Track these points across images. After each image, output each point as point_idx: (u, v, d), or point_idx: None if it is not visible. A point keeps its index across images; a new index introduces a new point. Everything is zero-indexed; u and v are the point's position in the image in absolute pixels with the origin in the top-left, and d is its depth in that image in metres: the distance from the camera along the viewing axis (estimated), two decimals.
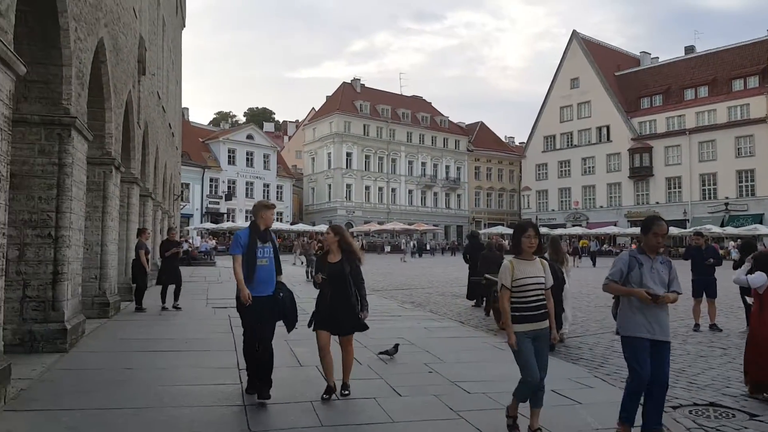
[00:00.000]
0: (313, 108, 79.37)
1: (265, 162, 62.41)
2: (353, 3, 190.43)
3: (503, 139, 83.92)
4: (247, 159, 61.02)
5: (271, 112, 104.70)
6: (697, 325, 10.34)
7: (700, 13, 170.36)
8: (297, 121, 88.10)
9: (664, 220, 4.63)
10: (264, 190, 60.70)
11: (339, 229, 5.74)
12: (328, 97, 71.12)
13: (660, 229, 4.43)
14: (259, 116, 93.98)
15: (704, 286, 10.54)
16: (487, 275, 11.49)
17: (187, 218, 50.88)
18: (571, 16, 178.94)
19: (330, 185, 64.96)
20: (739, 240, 33.89)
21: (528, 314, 4.44)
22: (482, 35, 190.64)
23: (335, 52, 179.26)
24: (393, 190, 67.79)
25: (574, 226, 59.02)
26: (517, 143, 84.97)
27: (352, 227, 60.55)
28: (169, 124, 24.34)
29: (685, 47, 64.36)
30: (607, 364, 7.57)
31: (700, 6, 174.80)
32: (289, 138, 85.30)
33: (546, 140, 67.73)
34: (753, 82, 51.81)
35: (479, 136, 76.54)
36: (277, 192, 63.58)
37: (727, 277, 10.03)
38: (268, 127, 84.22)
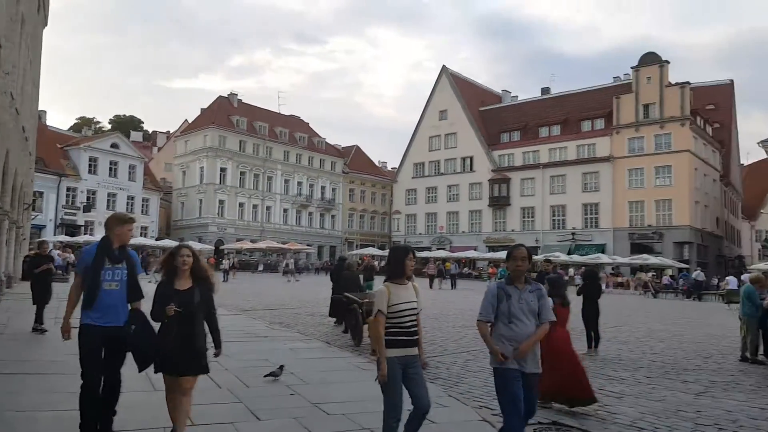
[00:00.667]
0: (186, 120, 76.43)
1: (130, 173, 58.88)
2: (234, 18, 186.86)
3: (377, 164, 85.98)
4: (111, 169, 57.21)
5: (140, 121, 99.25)
6: None
7: (555, 58, 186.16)
8: (168, 132, 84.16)
9: (524, 246, 4.64)
10: (128, 203, 57.21)
11: (193, 249, 4.84)
12: (203, 110, 68.88)
13: (518, 253, 4.43)
14: (126, 124, 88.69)
15: None
16: (347, 294, 12.24)
17: (38, 229, 46.64)
18: (442, 50, 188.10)
19: (201, 200, 62.71)
20: (583, 267, 37.02)
21: (402, 339, 4.37)
22: (361, 62, 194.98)
23: (213, 65, 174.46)
24: (268, 208, 66.82)
25: (438, 249, 61.54)
26: (389, 168, 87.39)
27: (224, 244, 58.98)
28: (23, 128, 22.42)
29: (542, 88, 70.14)
30: (462, 383, 8.00)
31: (556, 51, 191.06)
32: (159, 149, 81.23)
33: (416, 167, 70.45)
34: (599, 124, 57.41)
35: (354, 159, 77.86)
36: (143, 205, 60.19)
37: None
38: (136, 136, 79.70)
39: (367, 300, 11.52)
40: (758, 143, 49.63)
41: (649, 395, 7.62)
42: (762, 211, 62.91)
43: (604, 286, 40.14)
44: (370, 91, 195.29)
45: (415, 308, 4.49)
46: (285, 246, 57.75)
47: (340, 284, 13.49)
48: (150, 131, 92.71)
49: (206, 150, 62.19)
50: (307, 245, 64.05)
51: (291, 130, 70.73)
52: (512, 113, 66.72)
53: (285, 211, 68.44)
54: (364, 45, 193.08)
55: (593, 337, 11.43)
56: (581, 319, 11.46)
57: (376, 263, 34.09)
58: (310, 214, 70.84)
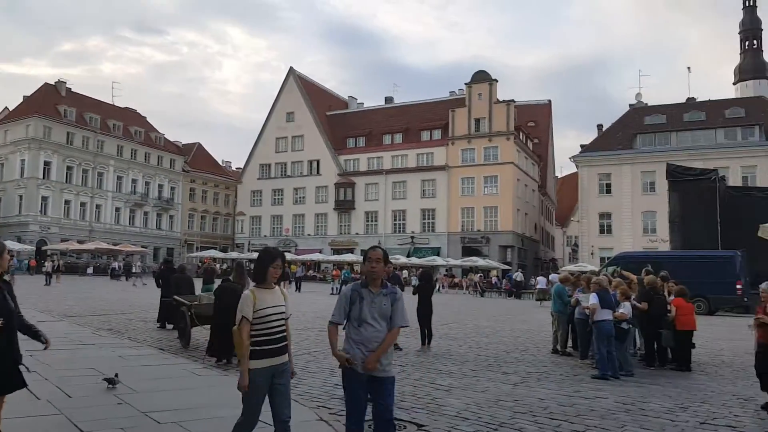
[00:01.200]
0: (6, 108, 68.28)
1: None
2: (66, 1, 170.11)
3: (221, 163, 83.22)
4: None
5: None
6: None
7: (399, 68, 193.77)
8: None
9: (381, 247, 4.54)
10: None
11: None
12: (26, 98, 62.08)
13: (373, 254, 4.32)
14: None
15: None
16: (176, 296, 12.01)
17: None
18: (290, 52, 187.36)
19: (22, 196, 56.34)
20: (421, 269, 38.86)
21: (270, 348, 4.14)
22: (205, 57, 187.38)
23: (39, 50, 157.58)
24: (98, 206, 61.77)
25: (284, 251, 60.92)
26: (234, 168, 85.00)
27: (47, 245, 53.56)
28: None
29: (386, 97, 72.74)
30: (302, 384, 7.96)
31: (399, 62, 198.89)
32: None
33: (262, 168, 69.34)
34: (437, 134, 60.73)
35: (196, 157, 74.70)
36: None
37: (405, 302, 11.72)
38: None
39: (196, 303, 11.35)
40: (570, 158, 55.96)
41: (474, 387, 8.25)
42: (572, 218, 70.41)
43: (440, 287, 42.99)
44: (215, 87, 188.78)
45: (284, 314, 4.28)
46: (116, 247, 53.91)
47: (170, 287, 13.18)
48: None
49: (28, 141, 56.11)
50: (142, 247, 60.36)
51: (126, 124, 66.14)
52: (358, 119, 68.28)
53: (117, 210, 63.84)
54: (209, 40, 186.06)
55: (426, 335, 12.09)
56: (416, 317, 12.09)
57: (217, 266, 33.02)
58: (146, 213, 66.77)
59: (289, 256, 56.19)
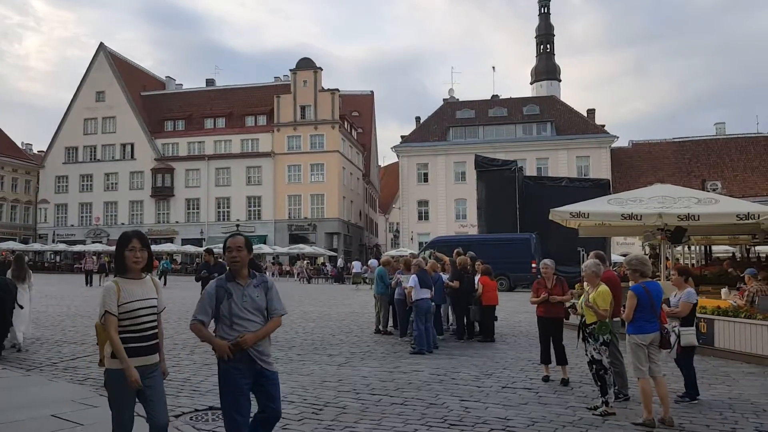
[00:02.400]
0: None
1: None
2: None
3: (20, 145, 73.72)
4: None
5: None
6: None
7: (221, 51, 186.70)
8: None
9: (242, 234, 4.18)
10: None
11: None
12: None
13: (233, 242, 3.94)
14: None
15: None
16: None
17: None
18: (102, 28, 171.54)
19: None
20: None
21: (138, 346, 3.67)
22: (3, 28, 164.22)
23: None
24: None
25: (94, 242, 56.23)
26: (35, 151, 75.85)
27: None
28: None
29: (207, 79, 69.55)
30: None
31: (222, 45, 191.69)
32: None
33: (68, 151, 62.77)
34: (262, 120, 59.65)
35: None
36: None
37: None
38: None
39: None
40: (392, 148, 58.53)
41: (300, 371, 8.43)
42: (394, 206, 73.61)
43: (270, 275, 42.60)
44: (15, 62, 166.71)
45: (155, 307, 3.81)
46: None
47: None
48: None
49: None
50: None
51: None
52: (176, 101, 64.64)
53: None
54: (8, 10, 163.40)
55: None
56: None
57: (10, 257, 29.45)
58: None
59: (100, 247, 51.99)
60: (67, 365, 8.62)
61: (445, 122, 57.34)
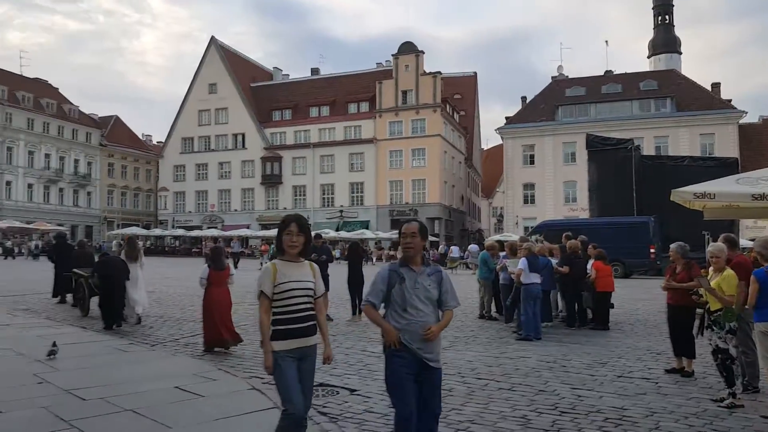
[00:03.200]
0: None
1: None
2: None
3: (141, 137, 79.75)
4: None
5: None
6: None
7: (325, 39, 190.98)
8: None
9: (418, 220, 4.10)
10: None
11: None
12: None
13: (408, 228, 3.82)
14: None
15: None
16: (75, 270, 12.60)
17: None
18: (214, 22, 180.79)
19: None
20: (349, 241, 38.98)
21: (293, 327, 3.64)
22: (122, 26, 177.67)
23: None
24: (8, 183, 58.00)
25: (210, 228, 59.70)
26: (155, 142, 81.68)
27: None
28: None
29: (312, 68, 71.49)
30: (232, 356, 8.00)
31: (326, 33, 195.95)
32: None
33: (184, 142, 66.91)
34: (364, 107, 60.42)
35: (114, 130, 71.18)
36: None
37: (336, 274, 11.78)
38: None
39: (95, 276, 11.38)
40: (496, 130, 57.24)
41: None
42: (497, 189, 72.30)
43: (375, 260, 43.52)
44: (134, 59, 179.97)
45: (311, 290, 3.75)
46: (31, 226, 51.03)
47: (68, 262, 13.50)
48: None
49: None
50: (58, 225, 57.32)
51: (36, 96, 62.10)
52: (283, 91, 66.88)
53: (30, 186, 60.28)
54: (127, 8, 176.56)
55: (357, 304, 12.17)
56: (347, 287, 12.18)
57: (140, 243, 31.86)
58: (61, 190, 63.37)
59: (216, 232, 55.07)
60: (188, 341, 9.13)
61: (554, 101, 55.25)
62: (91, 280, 11.41)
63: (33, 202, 60.23)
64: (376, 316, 3.79)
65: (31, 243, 46.88)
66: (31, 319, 11.33)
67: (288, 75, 72.96)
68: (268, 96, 66.18)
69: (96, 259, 13.17)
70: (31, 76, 66.09)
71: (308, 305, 3.72)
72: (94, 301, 11.41)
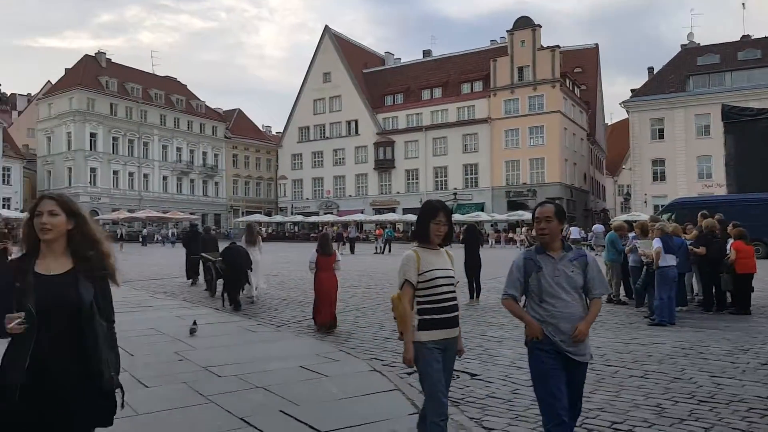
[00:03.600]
0: (49, 81, 70.08)
1: None
2: None
3: (261, 128, 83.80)
4: None
5: None
6: None
7: (437, 20, 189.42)
8: (29, 94, 76.82)
9: (553, 202, 3.75)
10: None
11: (70, 203, 2.62)
12: (67, 70, 63.29)
13: (542, 212, 3.54)
14: None
15: None
16: (203, 254, 13.75)
17: None
18: (327, 11, 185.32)
19: (71, 168, 58.18)
20: (464, 225, 38.65)
21: (439, 318, 3.45)
22: (242, 21, 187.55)
23: (79, 22, 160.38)
24: (145, 175, 63.34)
25: (326, 213, 61.67)
26: (274, 132, 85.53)
27: (98, 215, 55.42)
28: None
29: (423, 50, 71.14)
30: (353, 338, 8.19)
31: (437, 14, 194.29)
32: (20, 114, 74.09)
33: (301, 131, 69.40)
34: (478, 86, 59.36)
35: (237, 123, 75.36)
36: (4, 174, 55.19)
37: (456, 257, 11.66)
38: None
39: (220, 258, 12.31)
40: (620, 104, 53.95)
41: (523, 338, 8.15)
42: (623, 166, 68.54)
43: (493, 242, 43.15)
44: (253, 52, 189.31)
45: (453, 278, 3.57)
46: (166, 215, 55.41)
47: (197, 247, 14.94)
48: (8, 94, 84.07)
49: (73, 114, 57.58)
50: (191, 214, 61.85)
51: (167, 93, 67.02)
52: (395, 76, 67.26)
53: (164, 178, 65.34)
54: (246, 3, 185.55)
55: (475, 288, 12.02)
56: (464, 271, 12.05)
57: (263, 230, 33.63)
58: (192, 181, 68.13)
59: (331, 218, 56.77)
60: (310, 323, 9.43)
61: (684, 71, 51.15)
62: (217, 264, 12.36)
63: (168, 192, 65.21)
64: (517, 309, 3.56)
65: (168, 231, 51.04)
66: (170, 301, 12.28)
67: (399, 59, 73.27)
68: (380, 81, 66.88)
69: (220, 245, 14.37)
70: (162, 75, 71.25)
71: (453, 294, 3.53)
72: (220, 283, 12.45)
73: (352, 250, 34.19)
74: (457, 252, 12.68)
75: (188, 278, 16.01)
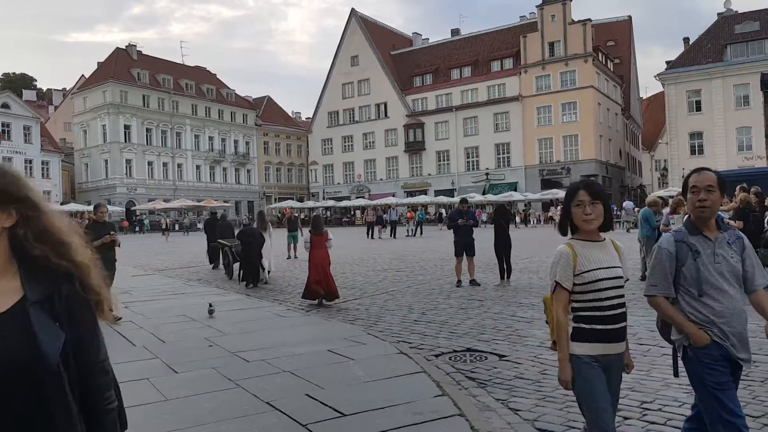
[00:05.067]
0: (83, 75, 71.54)
1: (26, 135, 55.16)
2: None
3: (291, 114, 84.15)
4: (3, 131, 53.32)
5: (32, 79, 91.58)
6: (459, 281, 11.47)
7: None
8: (64, 89, 78.68)
9: (712, 169, 2.90)
10: (26, 167, 53.49)
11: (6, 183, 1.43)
12: (99, 64, 64.50)
13: (701, 180, 2.80)
14: (17, 83, 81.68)
15: (464, 247, 11.67)
16: (220, 240, 14.99)
17: None
18: None
19: (107, 161, 59.50)
20: (495, 204, 38.25)
21: (600, 329, 2.72)
22: (270, 8, 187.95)
23: (110, 16, 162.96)
24: (179, 165, 64.38)
25: (358, 197, 61.74)
26: (303, 118, 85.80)
27: (135, 205, 56.67)
28: None
29: (452, 30, 70.19)
30: (381, 321, 8.18)
31: None
32: (56, 108, 75.97)
33: (330, 116, 69.43)
34: (508, 63, 58.41)
35: (267, 110, 75.81)
36: (43, 168, 56.70)
37: (484, 238, 11.55)
38: (29, 95, 73.94)
39: (236, 243, 13.52)
40: (655, 76, 52.38)
41: None
42: (660, 141, 66.79)
43: (534, 222, 42.84)
44: (282, 39, 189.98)
45: (620, 278, 2.79)
46: (201, 204, 56.31)
47: (215, 233, 16.04)
48: (44, 89, 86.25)
49: (107, 106, 58.71)
50: (224, 201, 62.71)
51: (198, 83, 67.73)
52: (423, 56, 66.59)
53: (198, 167, 66.28)
54: None
55: (505, 269, 11.88)
56: (494, 252, 11.93)
57: (298, 216, 33.78)
58: (225, 169, 68.95)
59: (363, 202, 56.72)
60: (339, 307, 9.49)
61: (721, 40, 49.35)
62: (234, 248, 13.49)
63: (201, 181, 66.19)
64: (672, 313, 2.81)
65: (185, 220, 52.33)
66: (203, 288, 12.47)
67: (427, 39, 72.49)
68: (408, 62, 66.33)
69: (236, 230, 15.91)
70: (192, 65, 71.96)
71: (620, 299, 2.77)
72: (236, 267, 13.63)
73: (393, 234, 33.50)
74: (486, 233, 12.47)
75: (210, 262, 17.06)
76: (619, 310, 2.75)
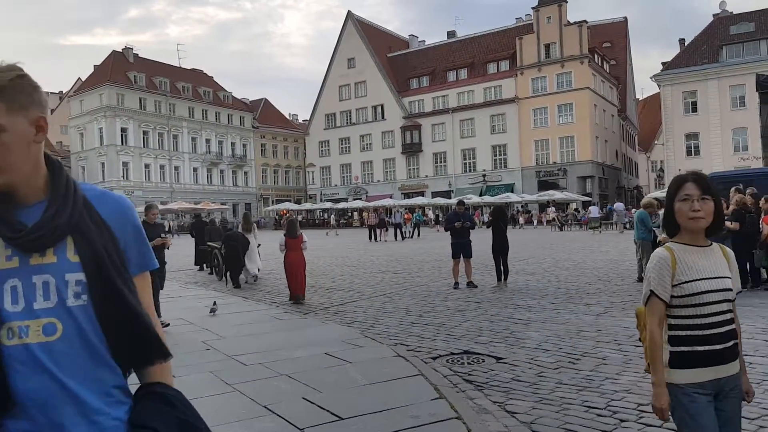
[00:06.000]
0: (79, 78, 71.44)
1: None
2: None
3: (288, 117, 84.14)
4: None
5: None
6: (456, 283, 11.50)
7: (461, 0, 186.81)
8: (61, 92, 78.53)
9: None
10: None
11: None
12: (96, 67, 64.39)
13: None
14: None
15: (461, 248, 11.66)
16: (209, 242, 15.51)
17: None
18: None
19: (104, 164, 59.39)
20: (492, 205, 38.28)
21: (705, 350, 2.29)
22: (267, 10, 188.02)
23: (108, 19, 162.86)
24: (176, 168, 64.28)
25: (355, 200, 61.74)
26: (300, 120, 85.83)
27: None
28: None
29: (448, 32, 70.38)
30: (378, 324, 8.19)
31: None
32: (52, 111, 75.78)
33: (327, 118, 69.47)
34: (504, 65, 58.51)
35: (264, 112, 75.76)
36: None
37: (480, 240, 11.56)
38: None
39: (223, 246, 13.74)
40: (651, 78, 52.53)
41: (554, 320, 8.06)
42: (656, 142, 66.90)
43: (536, 222, 42.83)
44: (279, 41, 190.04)
45: (729, 290, 2.35)
46: (198, 206, 56.20)
47: (204, 236, 16.60)
48: None
49: (103, 109, 58.60)
50: (222, 204, 62.66)
51: (194, 85, 67.68)
52: (420, 58, 66.71)
53: (195, 170, 66.19)
54: None
55: (502, 270, 11.89)
56: (491, 253, 11.95)
57: (297, 217, 33.70)
58: (222, 171, 68.88)
59: (360, 204, 56.74)
60: (337, 309, 9.50)
61: (717, 40, 49.52)
62: (222, 251, 13.95)
63: (198, 184, 66.10)
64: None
65: (172, 222, 52.46)
66: (200, 291, 12.47)
67: (424, 41, 72.56)
68: (405, 64, 66.42)
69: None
70: (189, 67, 71.86)
71: (727, 315, 2.35)
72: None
73: (400, 236, 32.07)
74: (483, 235, 12.51)
75: (196, 264, 17.60)
76: (726, 328, 2.33)
